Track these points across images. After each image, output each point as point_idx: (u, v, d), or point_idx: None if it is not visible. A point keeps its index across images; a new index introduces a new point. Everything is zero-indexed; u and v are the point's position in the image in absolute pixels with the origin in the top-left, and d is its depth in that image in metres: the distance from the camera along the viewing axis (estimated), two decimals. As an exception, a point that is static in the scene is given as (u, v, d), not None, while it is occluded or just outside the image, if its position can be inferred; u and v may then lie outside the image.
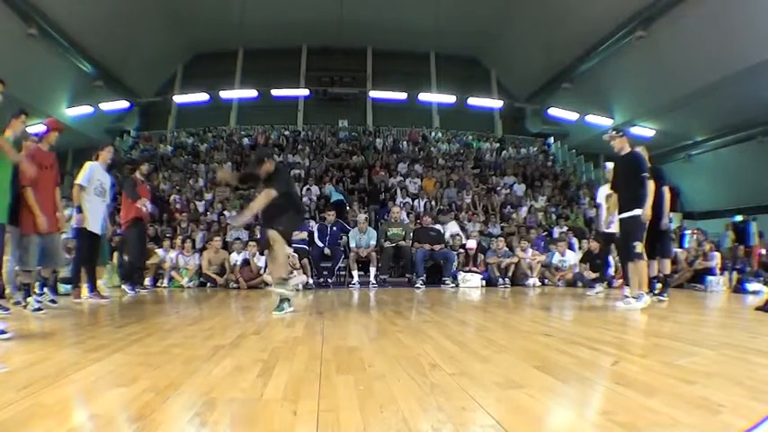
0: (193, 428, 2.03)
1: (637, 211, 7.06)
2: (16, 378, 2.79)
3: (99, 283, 8.77)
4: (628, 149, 7.39)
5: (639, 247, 7.02)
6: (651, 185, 7.20)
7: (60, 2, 18.30)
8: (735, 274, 12.01)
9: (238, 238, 12.04)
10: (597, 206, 10.47)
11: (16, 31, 17.71)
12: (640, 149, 8.52)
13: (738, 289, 11.08)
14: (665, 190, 8.28)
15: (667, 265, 8.89)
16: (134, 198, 9.13)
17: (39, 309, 6.11)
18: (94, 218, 7.74)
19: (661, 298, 8.14)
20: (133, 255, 9.53)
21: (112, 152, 8.34)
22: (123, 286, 9.31)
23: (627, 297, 7.11)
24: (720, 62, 16.81)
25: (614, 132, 7.56)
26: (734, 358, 3.45)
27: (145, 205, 9.37)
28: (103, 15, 20.17)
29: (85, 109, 23.07)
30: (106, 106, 23.84)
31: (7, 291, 7.09)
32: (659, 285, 8.55)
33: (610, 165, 10.00)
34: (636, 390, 2.55)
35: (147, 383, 2.68)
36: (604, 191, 9.34)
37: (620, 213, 7.37)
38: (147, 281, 10.88)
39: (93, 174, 7.75)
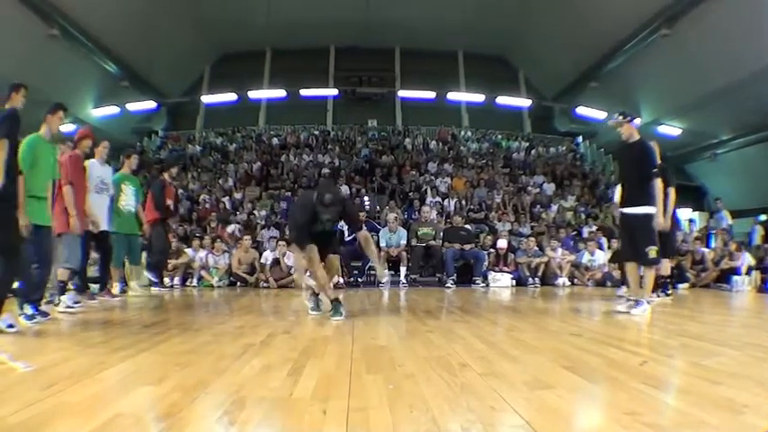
0: (222, 427, 2.02)
1: (649, 209, 6.41)
2: (41, 377, 2.79)
3: (133, 283, 8.85)
4: (637, 137, 6.76)
5: (654, 251, 6.38)
6: (658, 183, 6.50)
7: (81, 2, 18.45)
8: (758, 274, 11.71)
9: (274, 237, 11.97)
10: (613, 205, 10.18)
11: (37, 32, 17.86)
12: (652, 144, 8.25)
13: (763, 289, 11.02)
14: (671, 191, 7.70)
15: (666, 265, 8.39)
16: (160, 202, 9.19)
17: (71, 308, 6.12)
18: (97, 216, 7.70)
19: (657, 298, 7.71)
20: (154, 254, 9.55)
21: (108, 147, 8.28)
22: (148, 274, 9.32)
23: (629, 300, 6.53)
24: (746, 59, 16.52)
25: (621, 117, 6.84)
26: (758, 359, 3.48)
27: (169, 207, 9.49)
28: (127, 16, 20.37)
29: (112, 109, 23.32)
30: (133, 106, 24.09)
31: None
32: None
33: None
34: (663, 390, 2.62)
35: (175, 382, 2.67)
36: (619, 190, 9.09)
37: (624, 206, 6.71)
38: (176, 279, 11.01)
39: (93, 171, 7.69)
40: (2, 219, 4.46)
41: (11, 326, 4.34)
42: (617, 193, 7.57)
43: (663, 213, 7.34)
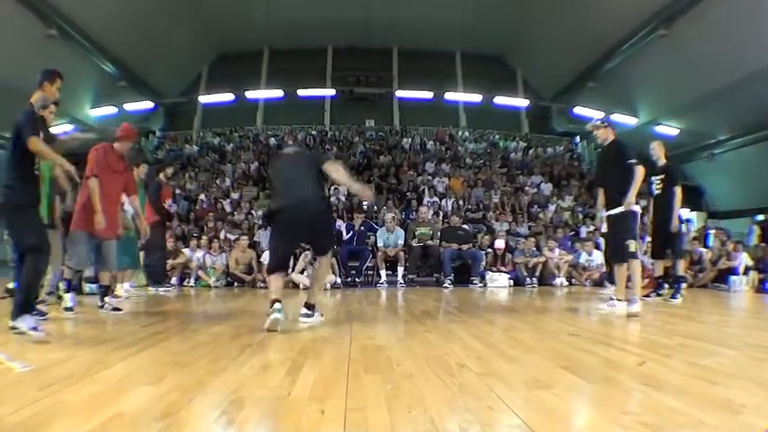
0: (220, 427, 2.03)
1: (622, 208, 6.34)
2: (39, 377, 2.78)
3: (126, 284, 8.80)
4: (612, 139, 6.73)
5: (633, 245, 6.31)
6: (640, 171, 6.39)
7: (79, 2, 18.35)
8: (755, 274, 11.70)
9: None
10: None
11: (35, 32, 17.72)
12: (656, 144, 8.27)
13: (760, 289, 11.00)
14: (677, 190, 7.90)
15: (681, 266, 8.45)
16: (155, 203, 9.13)
17: (70, 308, 6.06)
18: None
19: (673, 300, 7.77)
20: (155, 256, 9.54)
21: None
22: (152, 288, 9.33)
23: (612, 299, 6.55)
24: (744, 59, 16.56)
25: (598, 122, 6.88)
26: (756, 359, 3.50)
27: (169, 207, 9.43)
28: (126, 16, 20.26)
29: (109, 109, 23.30)
30: (130, 107, 24.10)
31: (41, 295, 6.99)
32: (667, 286, 8.30)
33: None
34: (661, 390, 2.58)
35: (173, 382, 2.67)
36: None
37: (608, 209, 6.63)
38: (173, 280, 11.00)
39: None
40: (28, 221, 4.41)
41: (34, 328, 4.18)
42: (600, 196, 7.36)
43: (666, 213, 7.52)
